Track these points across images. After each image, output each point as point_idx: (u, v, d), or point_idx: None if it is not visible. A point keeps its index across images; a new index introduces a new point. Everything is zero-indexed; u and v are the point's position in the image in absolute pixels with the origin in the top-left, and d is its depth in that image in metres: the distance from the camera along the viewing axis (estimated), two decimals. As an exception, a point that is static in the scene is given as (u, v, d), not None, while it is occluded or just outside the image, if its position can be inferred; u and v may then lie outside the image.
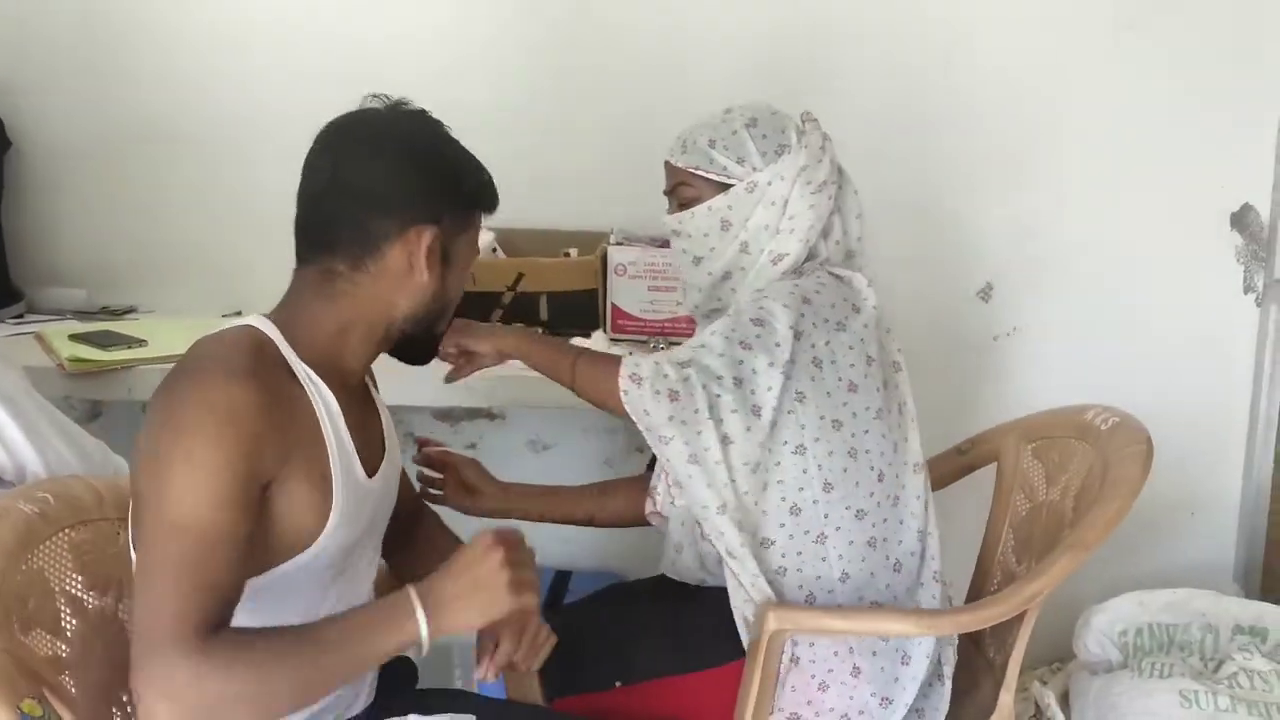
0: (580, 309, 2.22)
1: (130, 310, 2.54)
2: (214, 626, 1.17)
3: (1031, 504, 1.90)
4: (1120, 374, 2.45)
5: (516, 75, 2.46)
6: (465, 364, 1.74)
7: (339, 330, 1.35)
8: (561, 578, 2.59)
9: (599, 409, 1.68)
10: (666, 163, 1.77)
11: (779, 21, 2.43)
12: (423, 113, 1.40)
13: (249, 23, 2.48)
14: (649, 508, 1.82)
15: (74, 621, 1.35)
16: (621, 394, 1.58)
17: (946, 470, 2.01)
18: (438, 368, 1.74)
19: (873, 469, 1.65)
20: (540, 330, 2.20)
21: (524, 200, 2.41)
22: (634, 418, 1.58)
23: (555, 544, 2.61)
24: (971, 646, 1.83)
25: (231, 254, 2.53)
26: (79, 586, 1.38)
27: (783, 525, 1.62)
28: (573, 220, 2.40)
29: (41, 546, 1.34)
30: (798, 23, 2.43)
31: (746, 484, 1.60)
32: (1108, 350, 2.51)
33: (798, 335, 1.60)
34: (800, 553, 1.62)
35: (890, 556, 1.67)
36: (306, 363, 1.32)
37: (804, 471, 1.61)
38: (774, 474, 1.61)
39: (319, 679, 1.23)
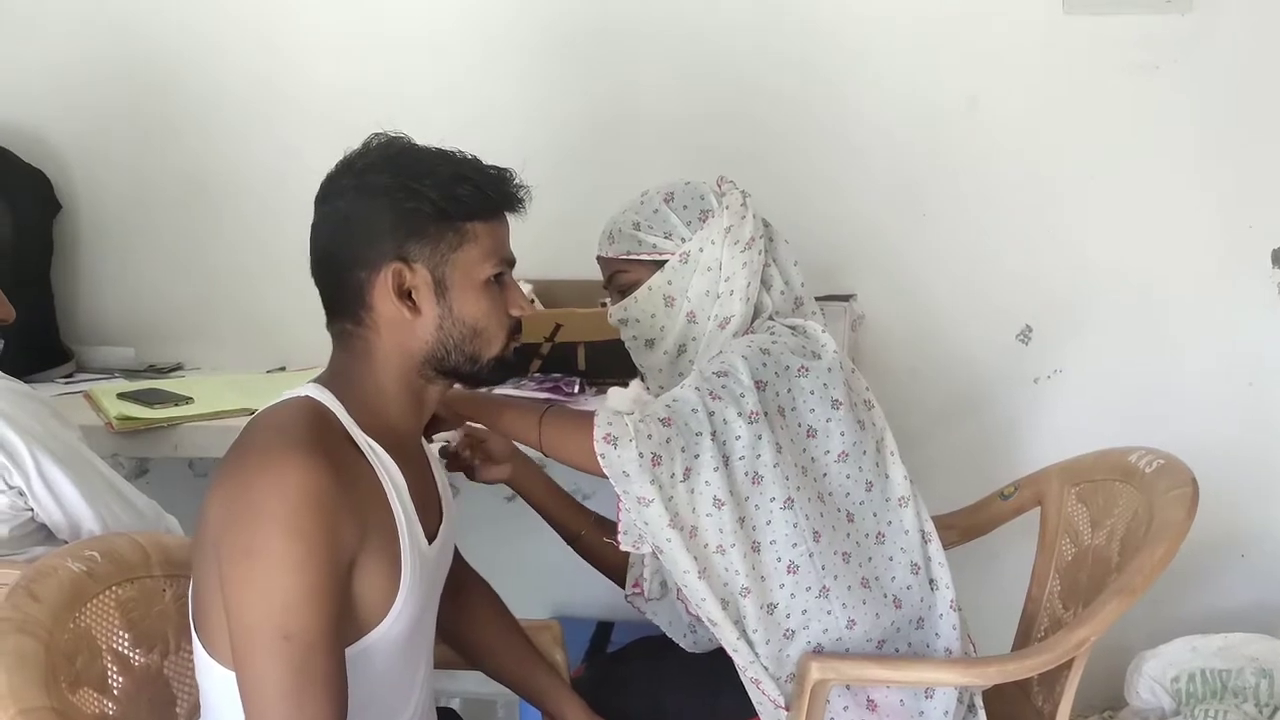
0: (617, 358, 2.21)
1: (177, 367, 2.58)
2: None
3: (1077, 548, 1.87)
4: (1164, 415, 2.43)
5: (551, 128, 2.50)
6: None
7: (377, 391, 1.34)
8: (604, 629, 2.59)
9: (570, 467, 1.61)
10: (598, 257, 1.79)
11: (807, 73, 2.45)
12: (388, 142, 1.35)
13: (291, 84, 2.53)
14: (629, 588, 1.83)
15: (120, 679, 1.37)
16: (598, 457, 1.50)
17: (990, 514, 1.99)
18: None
19: (839, 510, 1.64)
20: (577, 380, 2.21)
21: (561, 252, 2.46)
22: (611, 480, 1.52)
23: (599, 594, 2.60)
24: (1019, 694, 1.81)
25: (275, 310, 2.58)
26: (125, 644, 1.39)
27: (783, 586, 1.59)
28: (609, 271, 2.43)
29: (89, 604, 1.35)
30: (817, 75, 2.45)
31: (735, 538, 1.57)
32: (1151, 391, 2.48)
33: (760, 385, 1.58)
34: (805, 610, 1.60)
35: (888, 594, 1.66)
36: (366, 431, 1.31)
37: (795, 526, 1.58)
38: (765, 534, 1.58)
39: None
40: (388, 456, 1.32)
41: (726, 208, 1.72)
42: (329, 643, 1.19)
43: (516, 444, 1.72)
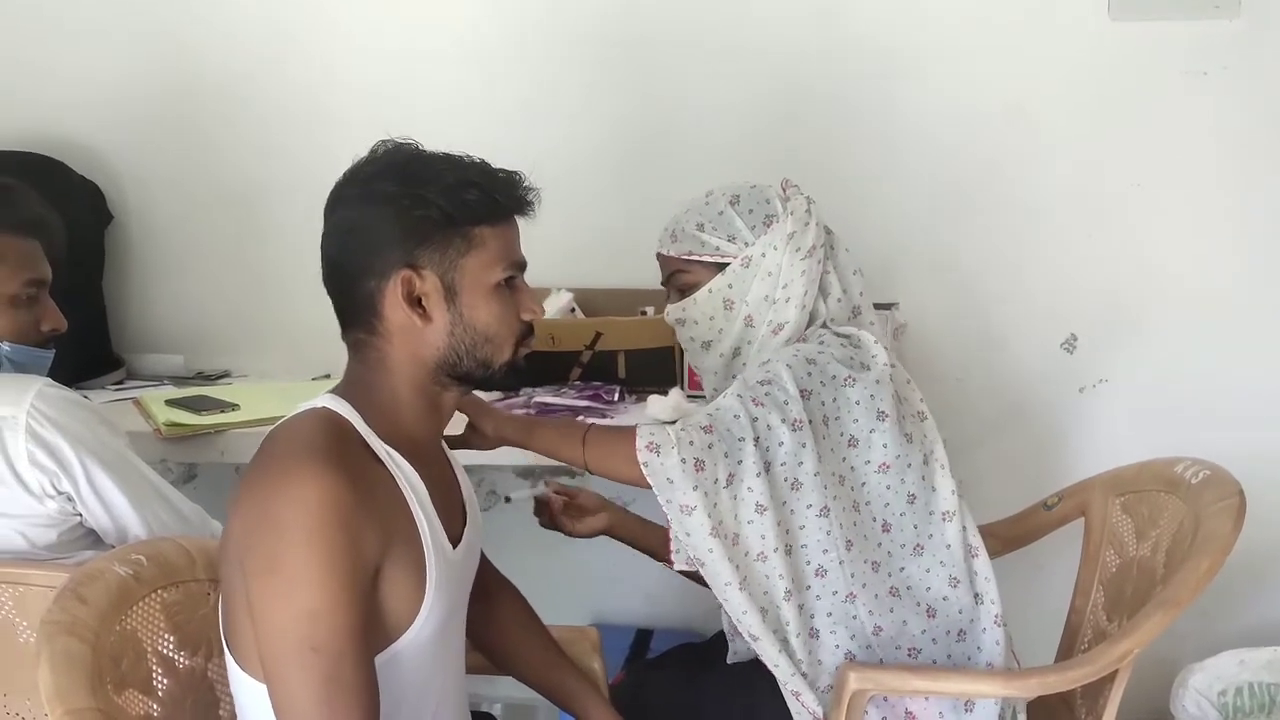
0: (657, 366, 2.24)
1: (224, 375, 2.62)
2: None
3: (1121, 560, 1.85)
4: (1211, 425, 2.39)
5: (592, 139, 2.50)
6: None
7: (393, 398, 1.34)
8: (643, 636, 2.59)
9: (616, 481, 1.64)
10: (659, 255, 1.79)
11: (850, 79, 2.45)
12: (394, 149, 1.34)
13: (337, 96, 2.56)
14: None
15: (165, 681, 1.39)
16: (641, 465, 1.53)
17: (1034, 525, 1.98)
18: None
19: (875, 519, 1.65)
20: (617, 388, 2.22)
21: (602, 261, 2.47)
22: (655, 488, 1.54)
23: (637, 603, 2.62)
24: (1062, 707, 1.79)
25: (320, 318, 2.58)
26: (170, 646, 1.41)
27: (809, 588, 1.61)
28: (649, 279, 2.42)
29: (135, 607, 1.38)
30: (863, 81, 2.45)
31: (777, 542, 1.58)
32: (1197, 401, 2.45)
33: (805, 394, 1.59)
34: (830, 614, 1.62)
35: (920, 603, 1.66)
36: (384, 439, 1.32)
37: (827, 533, 1.60)
38: (798, 537, 1.60)
39: None
40: (407, 464, 1.33)
41: (790, 213, 1.71)
42: (358, 651, 1.20)
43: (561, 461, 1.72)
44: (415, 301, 1.31)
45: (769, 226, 1.71)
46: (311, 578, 1.18)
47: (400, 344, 1.33)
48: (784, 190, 1.76)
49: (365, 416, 1.31)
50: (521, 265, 1.38)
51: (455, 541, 1.39)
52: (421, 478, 1.34)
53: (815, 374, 1.62)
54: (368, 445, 1.30)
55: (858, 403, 1.62)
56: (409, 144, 1.35)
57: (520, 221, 1.39)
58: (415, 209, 1.30)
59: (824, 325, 1.73)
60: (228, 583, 1.27)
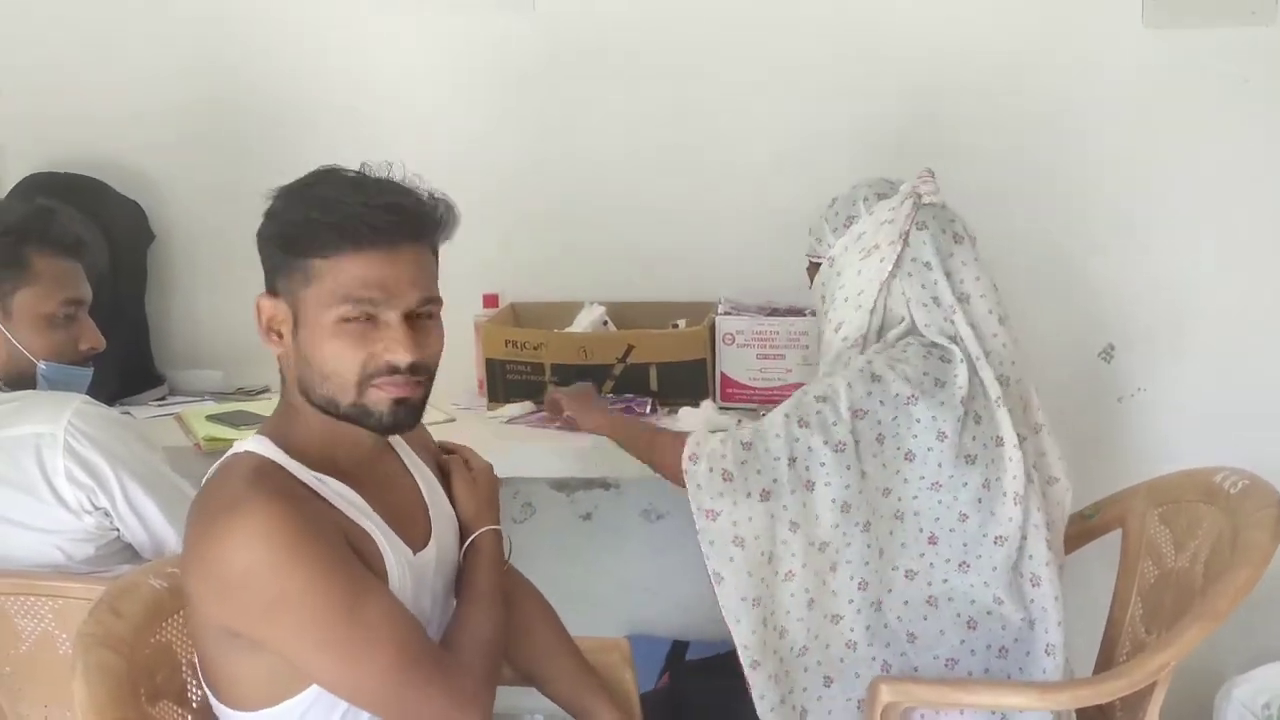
0: (690, 379, 2.24)
1: (264, 390, 2.64)
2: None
3: (1160, 571, 1.83)
4: (1250, 435, 2.35)
5: (622, 152, 2.50)
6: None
7: (306, 427, 1.30)
8: (679, 648, 2.59)
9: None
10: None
11: (889, 90, 2.43)
12: (322, 168, 1.29)
13: (379, 116, 2.58)
14: None
15: (199, 692, 1.40)
16: (684, 473, 1.63)
17: (1071, 535, 1.95)
18: (551, 440, 1.78)
19: (922, 530, 1.65)
20: (650, 400, 2.23)
21: (633, 274, 2.48)
22: (688, 493, 1.63)
23: (673, 614, 2.61)
24: (1102, 720, 1.77)
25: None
26: (204, 658, 1.43)
27: (851, 601, 1.63)
28: (681, 292, 2.43)
29: (169, 620, 1.40)
30: (911, 88, 2.43)
31: (805, 559, 1.61)
32: (1236, 411, 2.41)
33: (859, 414, 1.62)
34: (869, 626, 1.64)
35: (961, 614, 1.66)
36: (311, 467, 1.28)
37: (869, 546, 1.63)
38: (844, 554, 1.62)
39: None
40: (338, 483, 1.29)
41: (870, 212, 1.73)
42: (391, 601, 1.25)
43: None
44: (268, 328, 1.29)
45: (848, 227, 1.75)
46: (316, 585, 1.19)
47: (285, 368, 1.32)
48: (918, 184, 1.77)
49: (289, 450, 1.28)
50: (374, 301, 1.25)
51: (418, 546, 1.37)
52: (360, 492, 1.31)
53: (876, 393, 1.64)
54: (293, 476, 1.27)
55: (918, 420, 1.64)
56: (336, 167, 1.30)
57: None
58: (266, 231, 1.28)
59: (910, 334, 1.71)
60: (205, 641, 1.28)
